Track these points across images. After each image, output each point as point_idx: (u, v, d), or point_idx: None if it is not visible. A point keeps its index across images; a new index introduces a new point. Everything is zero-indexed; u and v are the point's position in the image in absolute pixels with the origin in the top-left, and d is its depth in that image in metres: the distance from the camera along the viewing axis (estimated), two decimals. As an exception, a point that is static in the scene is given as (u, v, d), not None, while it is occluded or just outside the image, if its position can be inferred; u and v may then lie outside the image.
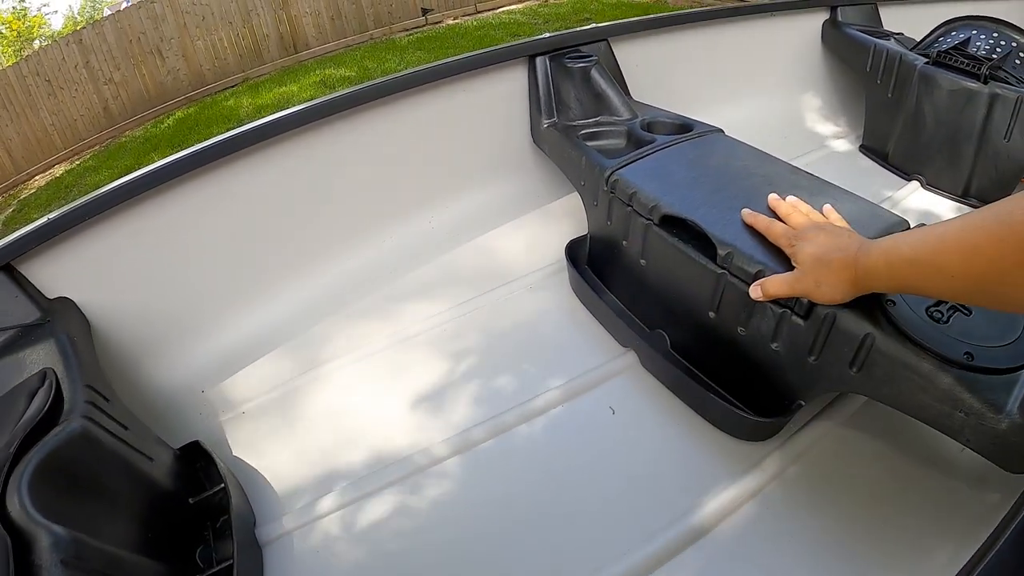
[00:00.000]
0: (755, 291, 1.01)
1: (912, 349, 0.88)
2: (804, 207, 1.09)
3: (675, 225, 1.23)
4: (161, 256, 1.40)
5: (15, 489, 0.78)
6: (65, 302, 1.25)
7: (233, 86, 8.65)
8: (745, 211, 1.12)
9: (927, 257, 0.72)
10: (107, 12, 7.81)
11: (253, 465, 1.25)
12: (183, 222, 1.41)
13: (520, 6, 10.80)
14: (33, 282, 1.24)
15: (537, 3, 10.90)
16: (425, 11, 10.10)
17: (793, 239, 0.98)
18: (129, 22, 8.13)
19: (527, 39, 1.74)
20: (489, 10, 10.72)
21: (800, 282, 0.93)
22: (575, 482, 1.14)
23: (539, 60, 1.72)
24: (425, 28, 9.96)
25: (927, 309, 0.93)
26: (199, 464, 1.17)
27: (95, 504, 0.88)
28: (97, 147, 8.30)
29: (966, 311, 0.94)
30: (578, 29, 1.80)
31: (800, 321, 1.01)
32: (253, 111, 6.73)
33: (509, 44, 1.71)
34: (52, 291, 1.26)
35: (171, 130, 7.10)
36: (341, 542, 1.09)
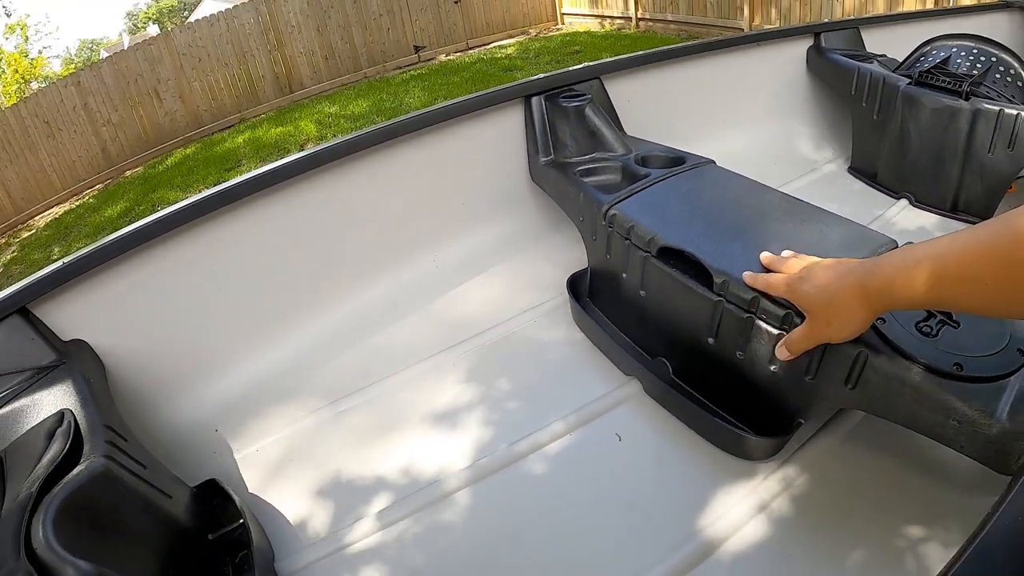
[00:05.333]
0: (782, 353, 1.01)
1: (904, 363, 0.93)
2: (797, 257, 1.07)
3: (672, 256, 1.28)
4: (173, 299, 1.44)
5: (40, 526, 0.80)
6: (80, 344, 1.28)
7: (230, 126, 8.75)
8: (746, 274, 1.11)
9: (955, 265, 0.68)
10: (104, 54, 7.92)
11: (269, 502, 1.28)
12: (194, 266, 1.45)
13: (511, 41, 10.97)
14: (48, 324, 1.27)
15: (527, 38, 11.07)
16: (418, 48, 10.26)
17: (793, 284, 0.95)
18: (126, 64, 8.26)
19: (522, 80, 1.80)
20: (480, 46, 10.90)
21: (814, 329, 0.91)
22: (585, 507, 1.18)
23: (535, 100, 1.78)
24: (418, 65, 10.10)
25: (916, 324, 0.98)
26: (215, 502, 1.19)
27: (117, 541, 0.90)
28: (97, 187, 8.37)
29: (954, 324, 0.98)
30: (571, 69, 1.86)
31: None
32: (251, 151, 6.79)
33: (505, 86, 1.77)
34: (66, 333, 1.29)
35: (170, 171, 7.16)
36: (360, 575, 1.12)
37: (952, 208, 2.01)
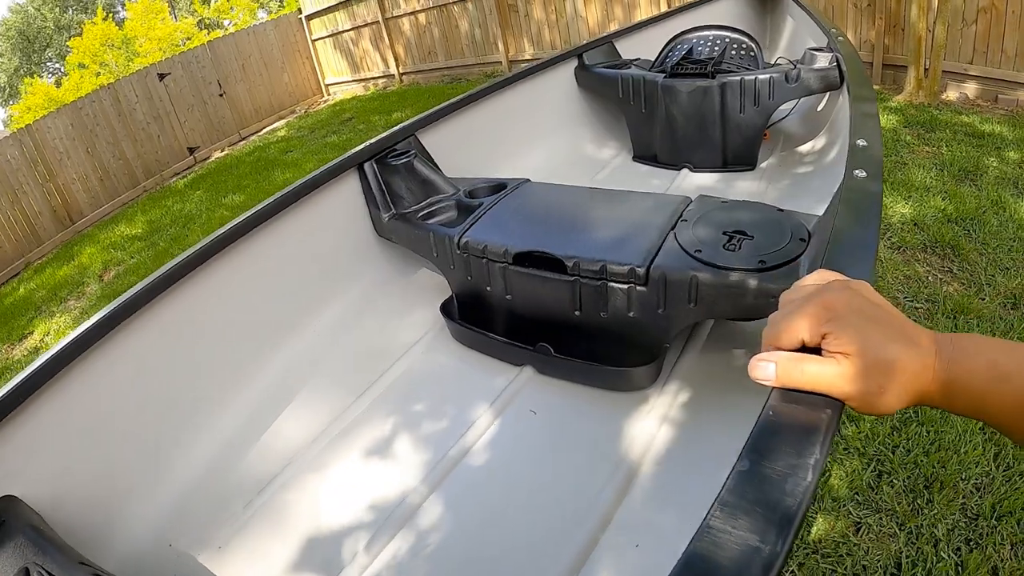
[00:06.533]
0: (762, 371, 0.64)
1: (725, 273, 1.30)
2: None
3: (526, 259, 1.57)
4: (86, 433, 1.43)
5: None
6: (11, 500, 1.24)
7: (16, 275, 8.07)
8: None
9: None
10: None
11: None
12: (98, 395, 1.45)
13: (281, 123, 11.01)
14: None
15: (296, 116, 11.16)
16: (192, 150, 10.05)
17: (826, 321, 0.60)
18: None
19: (351, 151, 1.99)
20: (252, 134, 10.85)
21: (855, 383, 0.59)
22: (531, 472, 1.41)
23: (367, 166, 1.98)
24: (196, 167, 9.90)
25: (723, 246, 1.37)
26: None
27: None
28: None
29: (750, 236, 1.37)
30: (389, 132, 2.09)
31: (643, 288, 1.40)
32: (46, 296, 6.36)
33: (337, 159, 1.95)
34: None
35: (-37, 338, 6.54)
36: None
37: (724, 164, 2.47)
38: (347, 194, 1.99)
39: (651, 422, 1.42)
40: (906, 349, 0.58)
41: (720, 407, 1.43)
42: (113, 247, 7.18)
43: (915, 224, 3.39)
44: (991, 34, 4.76)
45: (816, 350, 0.61)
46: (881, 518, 1.88)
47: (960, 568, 1.74)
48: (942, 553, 1.76)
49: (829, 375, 0.60)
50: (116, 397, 1.50)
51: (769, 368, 0.63)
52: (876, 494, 1.94)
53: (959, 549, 1.78)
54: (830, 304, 0.61)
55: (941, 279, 2.95)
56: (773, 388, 0.63)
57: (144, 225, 7.64)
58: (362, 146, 2.01)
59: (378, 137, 2.05)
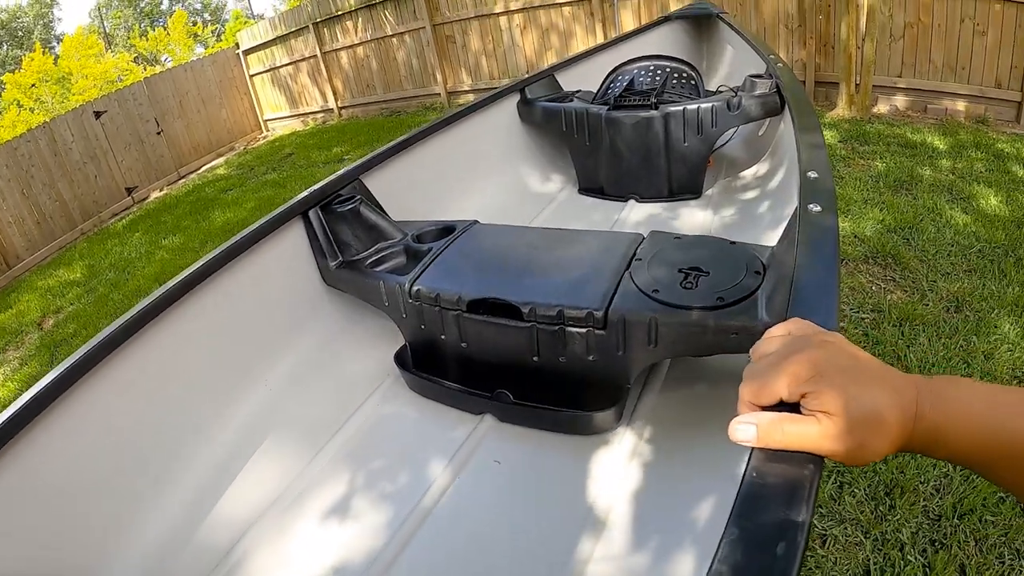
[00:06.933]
0: (743, 432, 0.62)
1: (684, 313, 1.30)
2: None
3: (480, 306, 1.54)
4: (26, 519, 1.32)
5: None
6: None
7: None
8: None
9: None
10: None
11: None
12: (34, 482, 1.34)
13: (220, 160, 10.83)
14: None
15: (235, 153, 11.01)
16: (130, 190, 9.80)
17: (806, 380, 0.59)
18: None
19: (295, 199, 1.92)
20: (191, 172, 10.64)
21: (838, 441, 0.58)
22: (496, 525, 1.37)
23: (311, 213, 1.91)
24: (135, 208, 9.65)
25: (680, 284, 1.37)
26: None
27: None
28: None
29: (706, 273, 1.38)
30: (333, 177, 2.03)
31: (602, 332, 1.39)
32: (-14, 347, 6.15)
33: (280, 208, 1.88)
34: None
35: None
36: None
37: (670, 194, 2.49)
38: (292, 244, 1.92)
39: (618, 465, 1.40)
40: (888, 400, 0.58)
41: (685, 445, 1.42)
42: (51, 293, 6.94)
43: (855, 236, 3.46)
44: (918, 47, 4.94)
45: (794, 405, 0.60)
46: (846, 528, 1.90)
47: (928, 569, 1.77)
48: (909, 556, 1.80)
49: (812, 435, 0.59)
50: (55, 481, 1.38)
51: (750, 430, 0.62)
52: (839, 505, 1.97)
53: (925, 551, 1.81)
54: (811, 362, 0.60)
55: (884, 288, 3.01)
56: (754, 449, 0.62)
57: (83, 269, 7.41)
58: (306, 193, 1.94)
59: (322, 183, 1.99)
